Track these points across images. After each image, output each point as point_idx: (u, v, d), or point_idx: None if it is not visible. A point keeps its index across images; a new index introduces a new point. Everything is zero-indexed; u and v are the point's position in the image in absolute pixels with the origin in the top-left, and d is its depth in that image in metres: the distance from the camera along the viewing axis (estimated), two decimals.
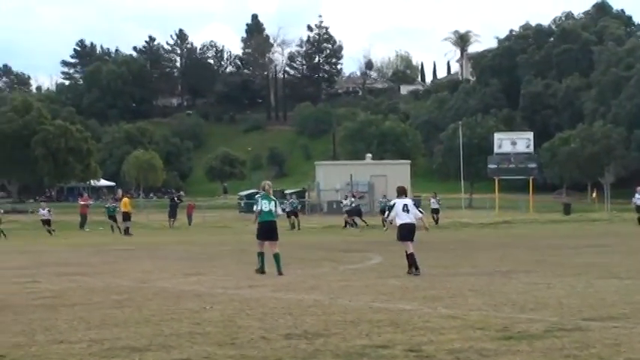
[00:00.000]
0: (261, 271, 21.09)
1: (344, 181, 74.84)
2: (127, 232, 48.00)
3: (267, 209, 21.39)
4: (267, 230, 21.40)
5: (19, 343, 11.56)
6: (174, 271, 22.73)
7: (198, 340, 11.48)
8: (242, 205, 79.86)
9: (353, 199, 54.10)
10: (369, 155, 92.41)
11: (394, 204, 21.55)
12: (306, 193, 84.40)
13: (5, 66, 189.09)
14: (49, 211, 51.97)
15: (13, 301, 16.48)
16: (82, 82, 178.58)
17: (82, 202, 59.10)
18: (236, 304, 15.31)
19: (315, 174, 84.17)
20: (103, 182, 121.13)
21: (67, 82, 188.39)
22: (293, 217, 51.52)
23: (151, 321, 13.33)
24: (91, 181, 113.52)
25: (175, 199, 60.96)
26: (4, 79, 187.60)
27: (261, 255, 21.36)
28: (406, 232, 21.08)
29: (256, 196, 22.17)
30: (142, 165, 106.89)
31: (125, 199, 52.74)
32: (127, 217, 49.50)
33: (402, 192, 21.87)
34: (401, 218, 21.08)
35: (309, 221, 56.09)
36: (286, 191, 74.62)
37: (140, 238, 43.27)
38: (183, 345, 11.15)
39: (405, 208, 21.13)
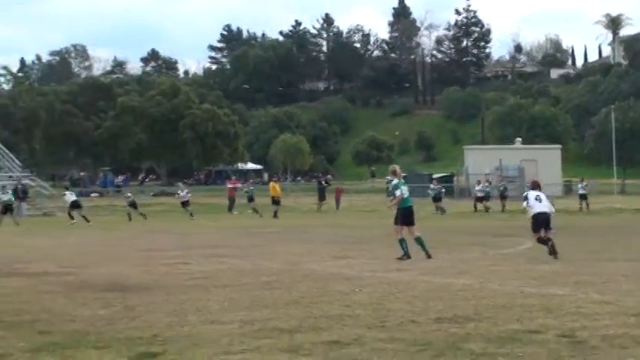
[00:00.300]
0: (407, 256, 20.81)
1: (493, 165, 74.01)
2: (275, 215, 48.29)
3: (406, 195, 21.31)
4: (408, 215, 21.22)
5: (171, 323, 11.68)
6: (323, 254, 22.76)
7: (347, 323, 11.41)
8: (389, 189, 79.68)
9: (488, 184, 53.59)
10: (519, 139, 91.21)
11: (527, 195, 21.91)
12: (455, 178, 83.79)
13: (153, 50, 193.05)
14: (187, 192, 52.52)
15: (165, 281, 16.72)
16: (228, 67, 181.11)
17: (230, 186, 59.94)
18: (385, 287, 15.21)
19: (464, 158, 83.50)
20: (251, 165, 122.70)
21: (214, 67, 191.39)
22: (437, 202, 51.59)
23: (301, 303, 13.32)
24: (239, 165, 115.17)
25: (323, 182, 61.24)
26: (152, 63, 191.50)
27: (403, 241, 21.08)
28: (540, 222, 21.37)
29: (394, 182, 21.69)
30: (289, 149, 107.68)
31: (272, 184, 53.22)
32: (275, 201, 49.91)
33: (536, 186, 22.36)
34: (535, 208, 21.46)
35: (458, 206, 55.57)
36: (434, 176, 74.11)
37: (288, 221, 43.55)
38: (333, 327, 11.08)
39: (538, 198, 21.56)
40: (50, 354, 9.76)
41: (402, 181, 21.63)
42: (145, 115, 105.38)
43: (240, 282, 16.45)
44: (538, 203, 21.52)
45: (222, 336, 10.60)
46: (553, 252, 20.62)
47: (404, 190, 21.26)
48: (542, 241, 21.22)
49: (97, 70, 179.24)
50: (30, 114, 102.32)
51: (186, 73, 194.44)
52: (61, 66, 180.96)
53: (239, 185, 62.21)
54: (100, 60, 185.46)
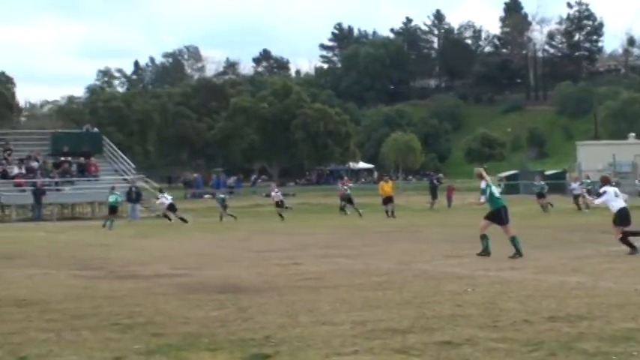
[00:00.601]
0: (486, 253, 20.96)
1: (606, 161, 72.72)
2: (389, 214, 48.01)
3: (497, 195, 21.50)
4: (498, 215, 21.28)
5: (283, 324, 11.74)
6: (435, 253, 22.65)
7: (460, 323, 11.34)
8: (501, 186, 79.15)
9: (586, 181, 52.86)
10: (633, 135, 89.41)
11: (605, 192, 22.13)
12: (567, 175, 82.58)
13: (265, 51, 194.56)
14: (278, 192, 52.44)
15: (277, 282, 16.81)
16: (340, 66, 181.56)
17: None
18: (497, 287, 15.09)
19: (577, 154, 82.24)
20: (362, 165, 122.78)
21: (325, 66, 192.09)
22: (542, 199, 51.07)
23: (413, 303, 13.27)
24: (350, 164, 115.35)
25: (434, 181, 60.98)
26: (264, 63, 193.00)
27: (485, 238, 21.20)
28: (625, 217, 21.66)
29: (483, 184, 21.64)
30: (400, 147, 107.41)
31: (381, 183, 53.09)
32: (385, 200, 49.75)
33: (607, 181, 22.88)
34: (617, 203, 21.85)
35: (570, 202, 54.66)
36: (546, 172, 73.15)
37: (399, 221, 43.42)
38: (445, 327, 11.03)
39: (617, 194, 22.01)
40: (164, 356, 9.89)
41: (489, 183, 21.70)
42: (257, 116, 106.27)
43: (351, 282, 16.46)
44: (618, 199, 21.89)
45: (333, 337, 10.62)
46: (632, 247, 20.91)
47: (494, 190, 21.53)
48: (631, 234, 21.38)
49: (210, 71, 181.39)
50: (144, 116, 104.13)
51: (297, 72, 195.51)
52: (174, 68, 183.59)
53: (350, 185, 62.22)
54: (213, 61, 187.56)
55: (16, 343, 10.82)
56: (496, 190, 21.65)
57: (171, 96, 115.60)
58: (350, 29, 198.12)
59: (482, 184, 21.66)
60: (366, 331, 10.92)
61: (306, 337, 10.67)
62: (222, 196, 51.98)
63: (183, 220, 44.23)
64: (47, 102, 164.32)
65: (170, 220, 44.69)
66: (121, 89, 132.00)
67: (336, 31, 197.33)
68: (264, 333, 11.07)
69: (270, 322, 11.94)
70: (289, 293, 15.00)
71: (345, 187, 53.39)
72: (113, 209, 44.61)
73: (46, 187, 53.78)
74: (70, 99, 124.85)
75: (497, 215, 21.31)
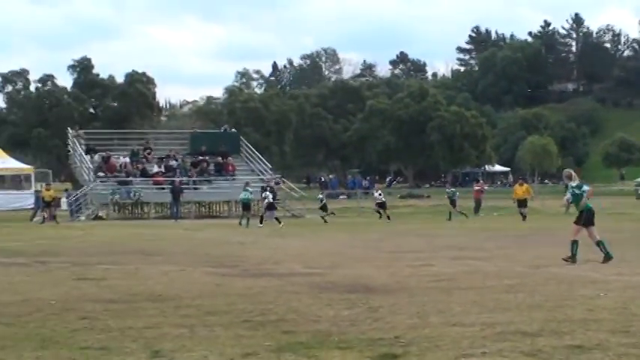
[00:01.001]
0: (573, 260, 20.56)
1: None
2: (524, 217, 47.41)
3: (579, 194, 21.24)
4: (586, 217, 21.12)
5: (413, 324, 11.76)
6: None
7: (591, 327, 11.20)
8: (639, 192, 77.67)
9: None
10: None
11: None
12: None
13: (402, 53, 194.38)
14: (380, 194, 52.23)
15: (409, 283, 16.83)
16: (477, 68, 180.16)
17: (476, 188, 59.68)
18: (631, 292, 14.85)
19: None
20: (498, 168, 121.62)
21: (462, 69, 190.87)
22: None
23: (544, 306, 13.15)
24: (486, 167, 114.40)
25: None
26: (401, 66, 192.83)
27: (575, 243, 20.94)
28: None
29: (572, 183, 21.59)
30: (536, 150, 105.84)
31: (516, 186, 52.54)
32: (520, 203, 49.18)
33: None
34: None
35: None
36: None
37: (534, 224, 42.86)
38: (576, 331, 10.90)
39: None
40: (294, 353, 10.01)
41: (578, 184, 21.53)
42: (393, 118, 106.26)
43: (483, 284, 16.38)
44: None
45: (463, 338, 10.61)
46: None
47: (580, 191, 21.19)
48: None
49: (347, 73, 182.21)
50: (281, 117, 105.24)
51: (434, 75, 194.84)
52: (311, 69, 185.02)
53: (485, 188, 61.76)
54: (350, 63, 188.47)
55: (151, 337, 11.11)
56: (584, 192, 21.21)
57: (308, 97, 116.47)
58: (487, 32, 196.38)
59: (573, 184, 21.54)
60: (496, 333, 10.88)
61: (436, 338, 10.67)
62: (320, 196, 52.16)
63: (278, 221, 44.10)
64: (187, 102, 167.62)
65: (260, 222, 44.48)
66: (258, 90, 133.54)
67: (474, 34, 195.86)
68: (393, 333, 11.11)
69: (401, 322, 11.98)
70: (420, 294, 15.01)
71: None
72: (246, 206, 45.14)
73: (184, 186, 54.83)
74: (209, 99, 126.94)
75: (580, 217, 21.18)
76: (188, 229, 40.12)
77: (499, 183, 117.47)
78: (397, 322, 11.95)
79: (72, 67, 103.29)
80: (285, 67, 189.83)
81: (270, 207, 45.66)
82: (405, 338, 10.70)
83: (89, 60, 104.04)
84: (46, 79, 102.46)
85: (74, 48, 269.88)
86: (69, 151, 62.73)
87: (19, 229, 40.36)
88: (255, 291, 15.85)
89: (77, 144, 58.76)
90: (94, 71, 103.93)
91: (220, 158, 59.16)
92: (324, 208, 49.33)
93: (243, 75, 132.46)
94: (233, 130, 68.52)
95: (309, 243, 30.05)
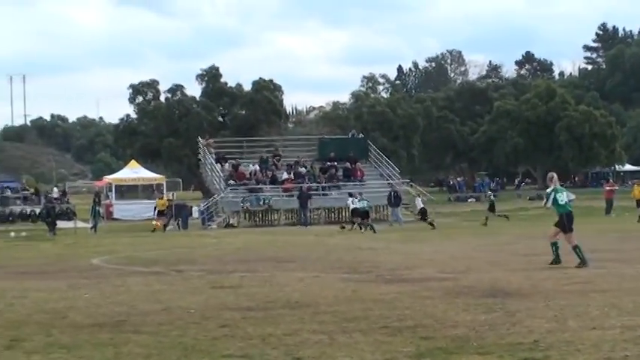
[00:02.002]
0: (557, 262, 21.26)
1: None
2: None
3: (561, 201, 21.46)
4: (563, 221, 21.31)
5: (551, 328, 11.72)
6: None
7: None
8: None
9: None
10: None
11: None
12: None
13: (527, 53, 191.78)
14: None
15: (545, 286, 16.73)
16: (604, 67, 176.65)
17: (607, 188, 58.68)
18: None
19: None
20: (629, 167, 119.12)
21: (589, 67, 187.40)
22: None
23: None
24: (616, 166, 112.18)
25: None
26: (527, 66, 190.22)
27: (554, 245, 21.49)
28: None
29: (549, 189, 21.98)
30: None
31: (635, 186, 51.67)
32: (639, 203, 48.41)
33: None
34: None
35: None
36: None
37: None
38: None
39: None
40: (433, 359, 10.10)
41: (556, 188, 21.73)
42: (521, 119, 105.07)
43: (620, 287, 16.20)
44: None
45: (603, 342, 10.55)
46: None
47: (558, 197, 21.44)
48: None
49: (473, 74, 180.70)
50: (408, 121, 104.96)
51: (561, 74, 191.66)
52: (437, 72, 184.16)
53: (616, 188, 60.64)
54: (476, 65, 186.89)
55: (291, 344, 11.29)
56: (563, 197, 21.49)
57: (434, 100, 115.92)
58: (615, 29, 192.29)
59: (548, 190, 21.86)
60: (637, 336, 10.77)
61: (575, 342, 10.63)
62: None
63: (432, 225, 44.17)
64: (313, 108, 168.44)
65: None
66: (385, 94, 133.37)
67: (600, 32, 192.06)
68: (532, 337, 11.10)
69: (539, 326, 11.94)
70: (557, 297, 14.90)
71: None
72: (365, 214, 45.12)
73: (313, 192, 55.23)
74: (336, 105, 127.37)
75: (560, 222, 21.37)
76: (319, 235, 40.42)
77: (630, 183, 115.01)
78: (535, 326, 11.92)
79: (200, 77, 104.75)
80: (410, 70, 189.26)
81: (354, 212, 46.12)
82: (545, 342, 10.68)
83: (217, 69, 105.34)
84: (176, 89, 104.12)
85: (202, 58, 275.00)
86: (199, 160, 63.82)
87: (153, 239, 41.28)
88: (390, 297, 15.94)
89: (207, 153, 59.73)
90: (222, 80, 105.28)
91: (349, 164, 59.39)
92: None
93: (370, 79, 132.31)
94: (361, 135, 68.70)
95: (440, 247, 29.98)
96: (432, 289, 17.02)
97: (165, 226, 50.23)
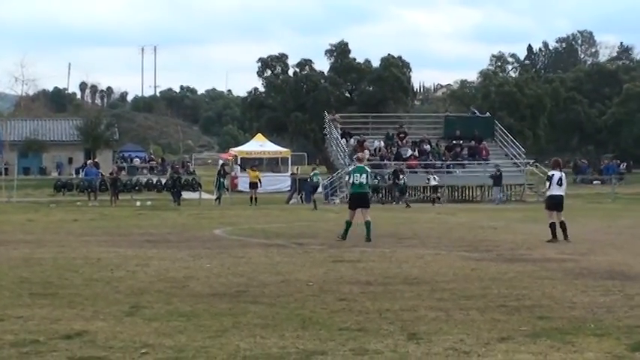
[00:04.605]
0: (343, 238, 23.18)
1: None
2: None
3: (357, 182, 23.50)
4: (357, 200, 23.59)
5: None
6: None
7: None
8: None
9: None
10: None
11: (552, 175, 23.76)
12: None
13: None
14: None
15: None
16: None
17: None
18: None
19: None
20: None
21: None
22: None
23: None
24: None
25: None
26: None
27: (348, 223, 23.35)
28: (555, 203, 23.45)
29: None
30: None
31: None
32: None
33: (557, 165, 24.35)
34: (552, 190, 23.55)
35: None
36: None
37: None
38: None
39: (560, 182, 23.63)
40: (549, 339, 10.06)
41: (358, 167, 24.08)
42: None
43: None
44: (558, 187, 23.62)
45: None
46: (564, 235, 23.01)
47: (354, 178, 23.60)
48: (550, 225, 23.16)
49: (603, 56, 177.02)
50: (535, 101, 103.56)
51: None
52: (567, 53, 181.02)
53: None
54: (607, 46, 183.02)
55: (407, 320, 11.39)
56: (357, 178, 23.47)
57: (563, 81, 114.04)
58: None
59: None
60: None
61: None
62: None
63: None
64: (441, 86, 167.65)
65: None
66: (513, 74, 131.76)
67: None
68: None
69: None
70: None
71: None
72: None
73: (437, 170, 55.22)
74: (463, 83, 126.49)
75: (353, 199, 23.84)
76: (441, 213, 40.31)
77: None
78: None
79: (329, 52, 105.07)
80: (540, 50, 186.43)
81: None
82: None
83: (346, 44, 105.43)
84: (304, 63, 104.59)
85: (331, 33, 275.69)
86: (325, 134, 64.12)
87: (276, 212, 41.66)
88: (509, 276, 15.90)
89: (333, 128, 59.98)
90: (351, 55, 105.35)
91: (474, 142, 58.98)
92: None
93: (499, 58, 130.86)
94: (487, 114, 68.07)
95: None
96: (551, 269, 16.91)
97: (289, 199, 50.60)
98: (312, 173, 51.63)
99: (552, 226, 23.26)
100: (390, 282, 15.14)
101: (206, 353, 9.42)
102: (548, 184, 24.04)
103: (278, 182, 62.62)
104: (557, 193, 23.67)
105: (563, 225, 23.20)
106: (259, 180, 51.29)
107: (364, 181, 23.91)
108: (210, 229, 28.40)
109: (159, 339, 10.15)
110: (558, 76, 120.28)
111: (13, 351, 9.52)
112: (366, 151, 23.19)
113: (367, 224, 23.32)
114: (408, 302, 12.84)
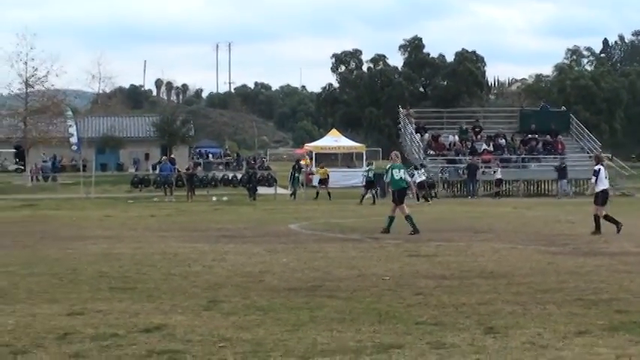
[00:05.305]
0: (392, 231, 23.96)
1: None
2: None
3: (397, 177, 24.54)
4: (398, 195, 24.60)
5: None
6: None
7: None
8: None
9: None
10: None
11: (599, 170, 23.98)
12: None
13: None
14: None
15: None
16: None
17: None
18: None
19: None
20: None
21: None
22: None
23: None
24: None
25: None
26: None
27: (392, 219, 24.28)
28: (607, 197, 24.33)
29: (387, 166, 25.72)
30: None
31: None
32: None
33: (599, 160, 25.34)
34: (603, 184, 23.99)
35: None
36: None
37: None
38: None
39: (606, 176, 24.36)
40: (628, 332, 9.98)
41: (395, 165, 25.05)
42: None
43: None
44: (606, 180, 24.42)
45: None
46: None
47: (394, 174, 24.55)
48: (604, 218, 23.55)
49: None
50: (612, 95, 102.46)
51: None
52: None
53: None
54: None
55: (484, 313, 11.37)
56: (397, 174, 24.55)
57: (639, 74, 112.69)
58: None
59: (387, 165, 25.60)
60: None
61: None
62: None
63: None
64: (515, 80, 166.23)
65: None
66: (589, 68, 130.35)
67: None
68: None
69: None
70: None
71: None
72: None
73: (512, 164, 54.93)
74: (538, 77, 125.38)
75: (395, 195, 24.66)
76: (517, 207, 39.99)
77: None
78: None
79: (403, 47, 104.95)
80: (616, 43, 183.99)
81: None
82: None
83: (420, 39, 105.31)
84: (378, 58, 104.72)
85: (405, 28, 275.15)
86: (399, 129, 64.02)
87: (351, 206, 41.71)
88: (586, 269, 15.78)
89: (407, 123, 59.90)
90: (425, 50, 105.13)
91: (549, 136, 58.45)
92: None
93: (574, 52, 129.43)
94: (563, 108, 67.40)
95: (639, 222, 29.18)
96: (629, 263, 16.75)
97: (363, 196, 50.64)
98: (367, 168, 51.24)
99: (607, 218, 23.62)
100: (466, 276, 15.12)
101: (284, 347, 9.49)
102: (595, 179, 24.22)
103: (353, 177, 62.57)
104: (607, 187, 24.31)
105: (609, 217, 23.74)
106: (327, 175, 51.56)
107: (404, 177, 24.89)
108: (285, 224, 28.55)
109: (237, 332, 10.25)
110: (635, 69, 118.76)
111: (93, 344, 9.69)
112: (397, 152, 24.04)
113: (409, 218, 24.05)
114: (485, 296, 12.81)
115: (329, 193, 48.61)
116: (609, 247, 20.24)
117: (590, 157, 56.10)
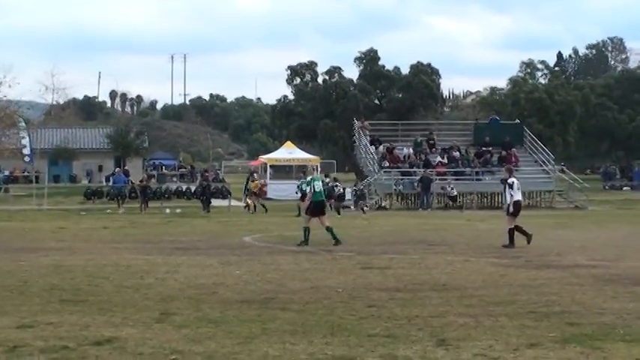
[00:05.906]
0: (305, 243, 24.41)
1: None
2: None
3: (318, 189, 25.35)
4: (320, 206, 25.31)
5: None
6: None
7: None
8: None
9: None
10: None
11: (513, 182, 24.48)
12: None
13: None
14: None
15: None
16: None
17: None
18: None
19: None
20: None
21: None
22: None
23: None
24: None
25: None
26: None
27: (306, 229, 24.81)
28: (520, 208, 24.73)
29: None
30: None
31: None
32: None
33: (511, 172, 25.82)
34: (518, 195, 24.52)
35: None
36: None
37: None
38: None
39: (519, 187, 24.70)
40: (579, 345, 10.05)
41: (316, 177, 26.75)
42: None
43: None
44: (520, 192, 24.76)
45: None
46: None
47: (316, 187, 25.27)
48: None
49: (633, 62, 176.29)
50: (565, 107, 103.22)
51: None
52: (597, 59, 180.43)
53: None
54: (637, 52, 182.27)
55: (436, 326, 11.42)
56: (318, 186, 25.34)
57: (593, 87, 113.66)
58: None
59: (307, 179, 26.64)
60: None
61: None
62: None
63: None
64: (470, 93, 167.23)
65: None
66: (543, 80, 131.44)
67: None
68: None
69: None
70: None
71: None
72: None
73: (466, 177, 55.18)
74: (493, 90, 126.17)
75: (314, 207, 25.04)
76: (470, 219, 40.23)
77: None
78: None
79: (358, 59, 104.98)
80: (570, 57, 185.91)
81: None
82: None
83: (375, 52, 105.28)
84: (334, 71, 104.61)
85: (361, 40, 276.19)
86: (354, 142, 64.12)
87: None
88: (538, 282, 15.90)
89: (362, 135, 60.00)
90: (380, 63, 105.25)
91: (503, 149, 58.77)
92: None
93: (528, 65, 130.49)
94: (516, 120, 67.86)
95: (591, 235, 29.46)
96: (581, 276, 16.88)
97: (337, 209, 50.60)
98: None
99: (518, 229, 24.09)
100: (419, 288, 15.16)
101: (235, 359, 9.46)
102: (510, 190, 24.50)
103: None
104: (520, 199, 24.86)
105: (520, 228, 24.18)
106: (260, 189, 51.58)
107: (322, 190, 25.93)
108: (239, 237, 28.49)
109: (188, 345, 10.21)
110: (588, 82, 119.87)
111: (42, 357, 9.62)
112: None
113: (329, 229, 24.63)
114: (437, 308, 12.85)
115: (263, 205, 48.71)
116: (561, 260, 20.38)
117: (543, 169, 56.64)
